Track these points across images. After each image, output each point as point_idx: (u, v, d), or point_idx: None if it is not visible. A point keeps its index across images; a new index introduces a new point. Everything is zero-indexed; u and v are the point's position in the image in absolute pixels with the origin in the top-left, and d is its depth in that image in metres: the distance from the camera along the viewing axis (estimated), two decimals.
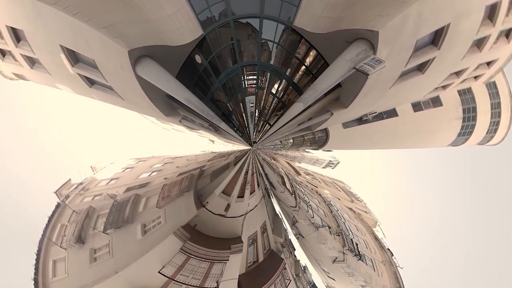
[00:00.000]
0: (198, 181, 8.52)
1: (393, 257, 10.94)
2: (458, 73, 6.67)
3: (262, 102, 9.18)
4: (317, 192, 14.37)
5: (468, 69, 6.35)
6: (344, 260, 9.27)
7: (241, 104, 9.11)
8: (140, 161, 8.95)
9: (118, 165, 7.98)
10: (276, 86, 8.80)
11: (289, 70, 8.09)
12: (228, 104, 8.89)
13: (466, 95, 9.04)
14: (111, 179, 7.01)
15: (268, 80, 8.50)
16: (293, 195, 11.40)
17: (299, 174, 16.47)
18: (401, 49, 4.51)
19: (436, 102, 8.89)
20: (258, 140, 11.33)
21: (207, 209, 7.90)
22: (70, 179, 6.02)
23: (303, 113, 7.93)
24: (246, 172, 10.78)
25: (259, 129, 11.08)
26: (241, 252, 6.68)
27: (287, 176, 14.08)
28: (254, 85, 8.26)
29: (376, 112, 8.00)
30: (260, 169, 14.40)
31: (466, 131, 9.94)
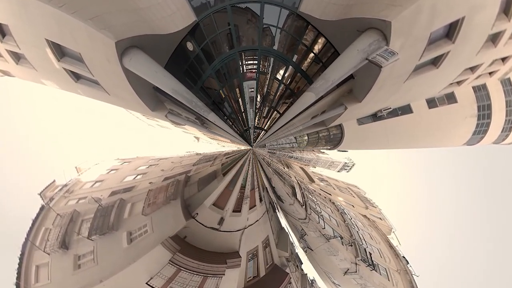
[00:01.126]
0: (184, 189, 9.25)
1: (408, 265, 12.09)
2: (472, 69, 7.47)
3: (266, 87, 9.98)
4: (330, 201, 15.94)
5: (482, 64, 7.16)
6: (356, 271, 10.11)
7: (237, 89, 9.95)
8: (124, 162, 9.83)
9: (102, 166, 8.88)
10: (281, 72, 9.55)
11: (296, 56, 8.67)
12: (220, 91, 9.67)
13: (481, 92, 9.98)
14: (96, 181, 7.82)
15: (271, 65, 9.19)
16: (304, 206, 12.29)
17: (312, 181, 18.21)
18: (415, 41, 5.09)
19: (450, 98, 9.98)
20: (263, 136, 11.97)
21: (197, 220, 8.56)
22: (54, 181, 6.79)
23: (316, 105, 8.69)
24: (243, 187, 11.40)
25: (264, 114, 11.68)
26: (239, 267, 7.16)
27: (299, 185, 15.11)
28: (254, 70, 8.94)
29: (390, 108, 8.94)
30: (266, 182, 15.26)
31: (481, 129, 11.01)
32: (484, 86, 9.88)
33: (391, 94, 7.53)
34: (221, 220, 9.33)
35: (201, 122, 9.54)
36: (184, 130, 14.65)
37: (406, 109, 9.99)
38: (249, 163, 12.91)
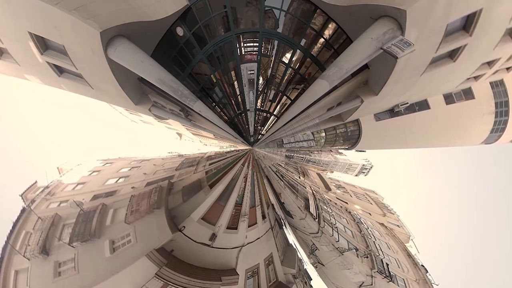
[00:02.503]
0: (168, 197, 10.33)
1: (427, 274, 13.86)
2: (490, 63, 8.62)
3: (270, 70, 11.16)
4: (346, 210, 18.19)
5: (500, 59, 8.24)
6: (372, 284, 11.51)
7: (232, 72, 11.07)
8: (107, 163, 10.99)
9: (84, 168, 10.05)
10: (288, 55, 10.61)
11: (304, 41, 9.39)
12: (211, 76, 10.76)
13: (498, 88, 11.09)
14: (77, 184, 8.96)
15: (275, 48, 10.26)
16: (317, 220, 13.66)
17: (329, 189, 20.65)
18: (431, 32, 5.97)
19: (468, 94, 11.31)
20: (271, 124, 12.89)
21: (184, 234, 9.49)
22: (36, 182, 7.90)
23: (331, 95, 9.87)
24: (239, 204, 12.31)
25: (270, 98, 12.67)
26: (236, 285, 7.91)
27: (314, 196, 16.79)
28: (254, 53, 10.01)
29: (408, 103, 10.31)
30: (272, 198, 16.74)
31: (499, 127, 12.34)
32: (501, 82, 10.91)
33: (408, 87, 8.74)
34: (213, 236, 10.36)
35: (185, 114, 10.61)
36: (167, 125, 16.28)
37: (423, 105, 11.34)
38: (246, 178, 13.88)
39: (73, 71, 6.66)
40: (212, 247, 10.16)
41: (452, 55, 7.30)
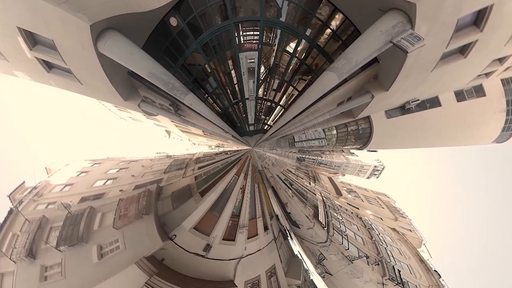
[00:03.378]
0: (157, 203, 11.07)
1: (440, 279, 15.14)
2: (501, 60, 9.44)
3: (272, 59, 12.12)
4: (357, 216, 20.00)
5: (511, 56, 9.04)
6: None
7: (229, 61, 11.92)
8: (95, 163, 11.81)
9: (72, 168, 10.90)
10: (292, 45, 11.55)
11: (309, 31, 9.90)
12: (206, 65, 11.61)
13: (510, 85, 12.00)
14: (65, 185, 9.75)
15: (278, 37, 11.02)
16: (326, 228, 14.82)
17: (340, 194, 22.44)
18: (442, 27, 6.65)
19: (479, 91, 12.41)
20: (278, 115, 14.17)
21: (176, 243, 10.11)
22: (24, 182, 8.68)
23: (341, 89, 10.73)
24: (236, 216, 13.00)
25: (274, 87, 13.73)
26: None
27: (324, 203, 18.17)
28: (255, 41, 10.77)
29: (419, 100, 11.47)
30: (277, 209, 17.81)
31: (510, 125, 13.51)
32: None
33: (419, 83, 9.73)
34: (208, 247, 11.01)
35: (175, 109, 11.46)
36: (156, 122, 17.46)
37: (434, 102, 12.54)
38: (244, 189, 14.68)
39: (62, 67, 7.38)
40: (207, 258, 10.75)
41: (463, 51, 8.18)
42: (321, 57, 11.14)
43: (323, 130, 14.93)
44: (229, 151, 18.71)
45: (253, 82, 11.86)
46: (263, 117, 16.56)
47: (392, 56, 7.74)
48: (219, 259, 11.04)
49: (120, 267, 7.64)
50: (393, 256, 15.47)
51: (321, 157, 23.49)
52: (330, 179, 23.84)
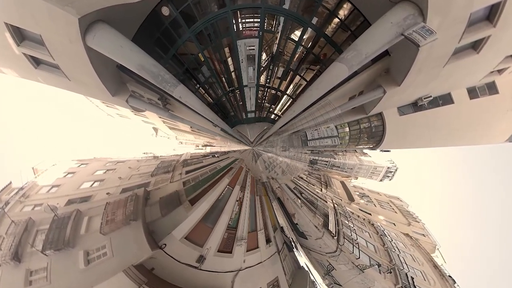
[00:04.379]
0: (145, 209, 12.03)
1: (455, 285, 16.88)
2: None
3: (275, 46, 13.34)
4: (369, 222, 22.34)
5: None
6: None
7: (226, 49, 13.12)
8: (82, 163, 12.90)
9: (59, 168, 11.96)
10: (297, 33, 12.65)
11: (316, 19, 10.73)
12: (199, 54, 12.70)
13: None
14: (52, 186, 10.75)
15: (281, 24, 11.95)
16: (336, 237, 16.23)
17: (352, 200, 24.67)
18: (454, 21, 7.47)
19: (491, 88, 13.64)
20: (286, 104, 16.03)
21: (166, 253, 10.88)
22: (11, 182, 9.72)
23: (351, 82, 11.75)
24: (232, 228, 13.87)
25: (278, 75, 15.08)
26: None
27: (335, 210, 19.77)
28: (255, 28, 11.77)
29: (431, 97, 12.80)
30: (282, 221, 18.93)
31: None
32: None
33: (431, 79, 10.80)
34: (201, 258, 11.88)
35: (164, 104, 12.55)
36: (144, 118, 19.31)
37: (447, 99, 13.95)
38: (241, 202, 15.82)
39: (50, 62, 8.34)
40: (201, 269, 11.52)
41: (476, 46, 9.21)
42: (329, 47, 12.06)
43: (336, 127, 16.13)
44: (218, 153, 20.77)
45: (253, 69, 12.96)
46: (267, 105, 18.04)
47: (404, 49, 8.55)
48: (214, 271, 11.84)
49: (108, 275, 8.49)
50: (406, 263, 17.22)
51: (334, 159, 25.59)
52: (343, 183, 25.93)
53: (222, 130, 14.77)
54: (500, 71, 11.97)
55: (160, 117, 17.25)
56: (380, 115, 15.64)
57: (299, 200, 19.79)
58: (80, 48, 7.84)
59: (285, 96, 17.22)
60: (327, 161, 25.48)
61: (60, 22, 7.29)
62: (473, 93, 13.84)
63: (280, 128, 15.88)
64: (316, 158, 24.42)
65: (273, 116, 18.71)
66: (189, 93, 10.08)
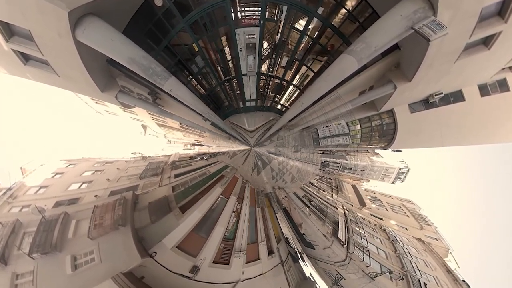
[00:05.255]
0: (133, 213, 13.00)
1: None
2: None
3: (278, 35, 14.46)
4: (381, 228, 24.80)
5: None
6: None
7: (223, 38, 14.22)
8: (70, 164, 13.91)
9: (47, 169, 12.99)
10: (302, 22, 13.62)
11: (321, 9, 11.63)
12: (193, 44, 13.82)
13: None
14: (40, 187, 11.70)
15: (284, 13, 12.89)
16: (345, 245, 17.66)
17: (364, 205, 27.16)
18: (465, 16, 8.25)
19: (503, 86, 14.91)
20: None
21: (157, 261, 11.69)
22: None
23: (361, 76, 12.79)
24: (229, 240, 14.81)
25: (283, 64, 16.31)
26: None
27: (346, 217, 21.44)
28: (256, 17, 12.75)
29: (442, 94, 14.21)
30: (287, 231, 20.32)
31: None
32: None
33: (442, 75, 11.98)
34: (195, 269, 12.74)
35: (153, 98, 13.66)
36: (133, 115, 20.77)
37: (458, 96, 15.31)
38: (239, 213, 16.69)
39: (39, 58, 9.26)
40: (195, 280, 12.25)
41: (487, 42, 9.95)
42: (337, 38, 12.97)
43: (347, 124, 17.39)
44: (207, 154, 22.18)
45: (253, 57, 14.08)
46: (271, 94, 19.48)
47: (414, 43, 9.31)
48: (209, 282, 12.60)
49: (95, 281, 9.32)
50: (418, 269, 19.21)
51: (346, 160, 27.94)
52: (354, 187, 28.65)
53: (212, 124, 15.99)
54: (511, 68, 13.25)
55: (149, 114, 18.66)
56: (391, 112, 17.04)
57: (307, 209, 21.21)
58: (69, 42, 8.69)
59: (291, 87, 18.56)
60: (339, 163, 27.34)
61: (50, 16, 8.12)
62: (484, 90, 15.04)
63: (289, 121, 17.23)
64: (328, 160, 26.36)
65: (279, 106, 20.17)
66: (180, 86, 10.96)
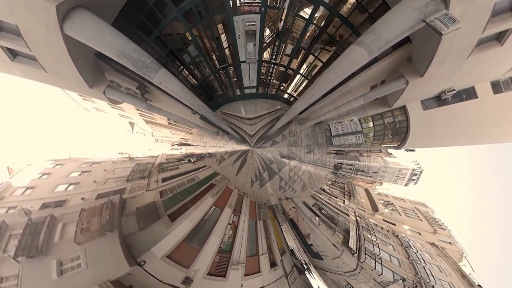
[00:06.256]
0: (121, 219, 14.21)
1: None
2: None
3: (282, 23, 15.67)
4: (394, 234, 27.22)
5: None
6: None
7: (219, 25, 15.65)
8: (57, 164, 15.18)
9: (34, 169, 14.29)
10: (307, 10, 14.78)
11: None
12: (186, 33, 15.05)
13: None
14: (27, 188, 12.93)
15: (288, 0, 14.08)
16: (356, 254, 19.30)
17: (376, 210, 29.79)
18: (477, 10, 9.34)
19: None
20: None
21: (146, 270, 12.77)
22: None
23: (372, 69, 14.07)
24: (226, 252, 15.84)
25: (287, 52, 17.99)
26: None
27: (358, 224, 23.13)
28: (256, 4, 13.83)
29: (455, 90, 15.92)
30: (293, 243, 21.50)
31: None
32: None
33: (454, 70, 13.39)
34: (188, 280, 13.87)
35: (142, 93, 14.85)
36: (120, 112, 22.69)
37: (471, 93, 16.90)
38: (236, 225, 18.24)
39: (26, 54, 10.43)
40: None
41: (500, 38, 11.35)
42: (345, 28, 14.02)
43: (360, 121, 18.85)
44: (194, 156, 23.86)
45: (254, 44, 15.27)
46: (275, 82, 20.93)
47: (426, 37, 10.35)
48: None
49: None
50: (432, 275, 21.50)
51: (359, 161, 30.50)
52: (367, 191, 31.24)
53: (202, 118, 17.40)
54: None
55: (137, 110, 20.26)
56: (404, 109, 18.89)
57: (317, 218, 22.70)
58: (57, 37, 9.78)
59: (298, 76, 19.94)
60: (352, 165, 29.69)
61: (37, 10, 9.20)
62: (497, 87, 16.64)
63: (300, 113, 18.82)
64: (341, 161, 28.39)
65: (286, 96, 21.57)
66: (171, 78, 11.94)
